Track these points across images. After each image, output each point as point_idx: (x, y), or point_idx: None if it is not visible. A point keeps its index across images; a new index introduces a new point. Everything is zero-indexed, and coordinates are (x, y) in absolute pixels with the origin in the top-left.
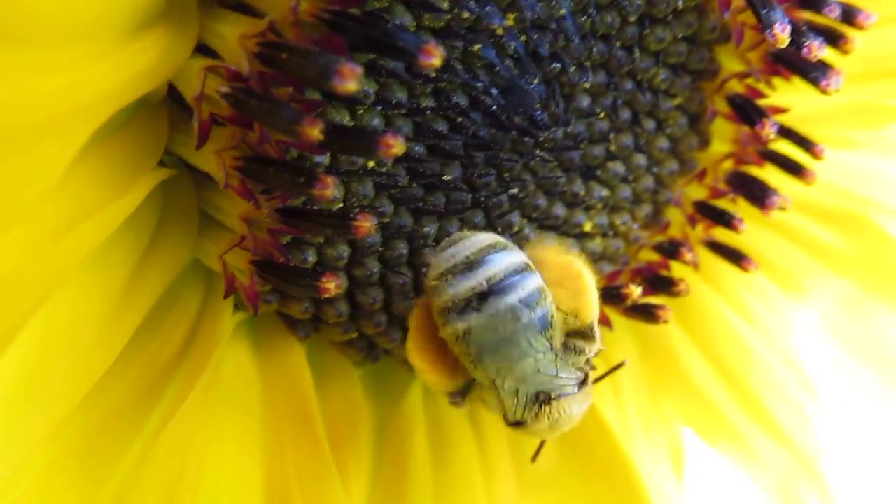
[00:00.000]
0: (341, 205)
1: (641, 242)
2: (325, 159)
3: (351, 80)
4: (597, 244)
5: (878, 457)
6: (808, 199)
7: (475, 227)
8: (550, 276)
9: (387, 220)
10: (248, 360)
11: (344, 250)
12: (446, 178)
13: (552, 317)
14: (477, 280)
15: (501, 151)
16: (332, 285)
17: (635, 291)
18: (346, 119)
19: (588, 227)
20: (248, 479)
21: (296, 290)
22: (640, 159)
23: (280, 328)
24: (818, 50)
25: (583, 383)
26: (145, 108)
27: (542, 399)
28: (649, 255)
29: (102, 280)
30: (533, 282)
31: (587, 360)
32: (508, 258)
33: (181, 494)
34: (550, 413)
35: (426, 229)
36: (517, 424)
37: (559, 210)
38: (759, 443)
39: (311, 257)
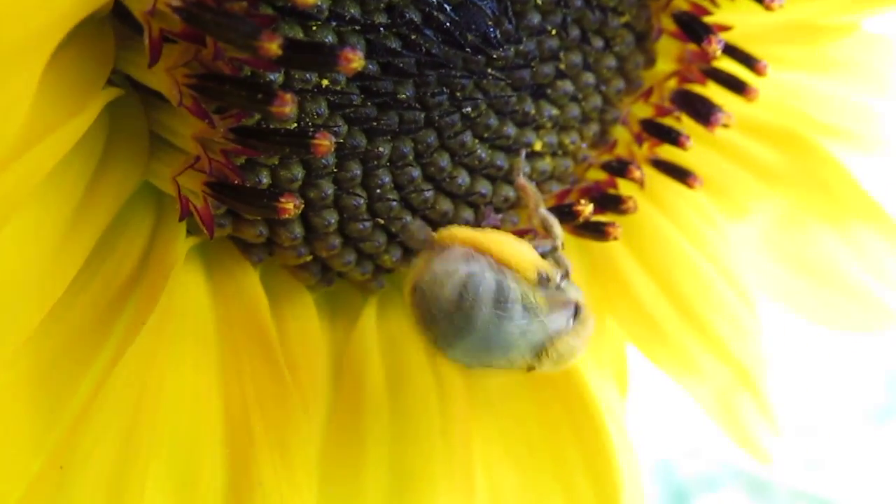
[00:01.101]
0: (295, 125)
1: (589, 161)
2: (278, 77)
3: None
4: (546, 163)
5: (812, 368)
6: (749, 118)
7: (428, 148)
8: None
9: (341, 141)
10: (201, 285)
11: (298, 172)
12: (400, 96)
13: (522, 295)
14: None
15: (454, 70)
16: (291, 206)
17: (587, 208)
18: (299, 35)
19: (538, 146)
20: (207, 405)
21: (253, 211)
22: (589, 78)
23: (233, 253)
24: None
25: (576, 314)
26: (90, 26)
27: (541, 349)
28: (597, 175)
29: (53, 205)
30: (489, 280)
31: (567, 290)
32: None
33: (141, 421)
34: (551, 355)
35: (380, 149)
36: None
37: (510, 130)
38: (700, 357)
39: (266, 179)
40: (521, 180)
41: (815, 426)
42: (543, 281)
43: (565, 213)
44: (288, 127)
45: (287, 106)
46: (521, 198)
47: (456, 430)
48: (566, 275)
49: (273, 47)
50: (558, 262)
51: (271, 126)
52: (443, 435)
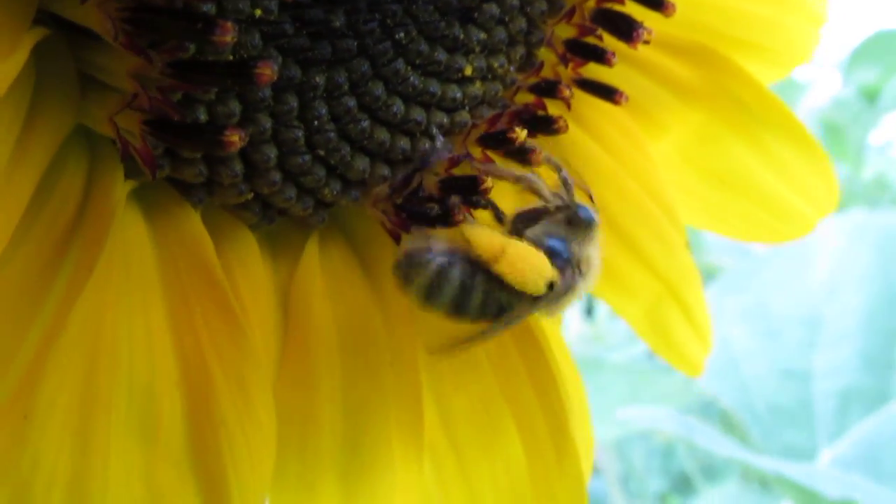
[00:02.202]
0: (230, 58)
1: (518, 85)
2: (211, 9)
3: None
4: (477, 88)
5: (728, 276)
6: (664, 36)
7: (362, 77)
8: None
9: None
10: (142, 230)
11: (235, 107)
12: (332, 25)
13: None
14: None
15: None
16: (237, 138)
17: (521, 134)
18: None
19: (468, 71)
20: (159, 349)
21: (196, 147)
22: (514, 0)
23: (172, 196)
24: None
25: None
26: None
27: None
28: (525, 98)
29: None
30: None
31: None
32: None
33: (99, 368)
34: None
35: (315, 80)
36: None
37: (441, 55)
38: (629, 273)
39: (203, 116)
40: (518, 173)
41: None
42: (549, 288)
43: (499, 141)
44: (221, 60)
45: (228, 34)
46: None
47: (403, 360)
48: (577, 263)
49: None
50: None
51: (209, 59)
52: (391, 366)
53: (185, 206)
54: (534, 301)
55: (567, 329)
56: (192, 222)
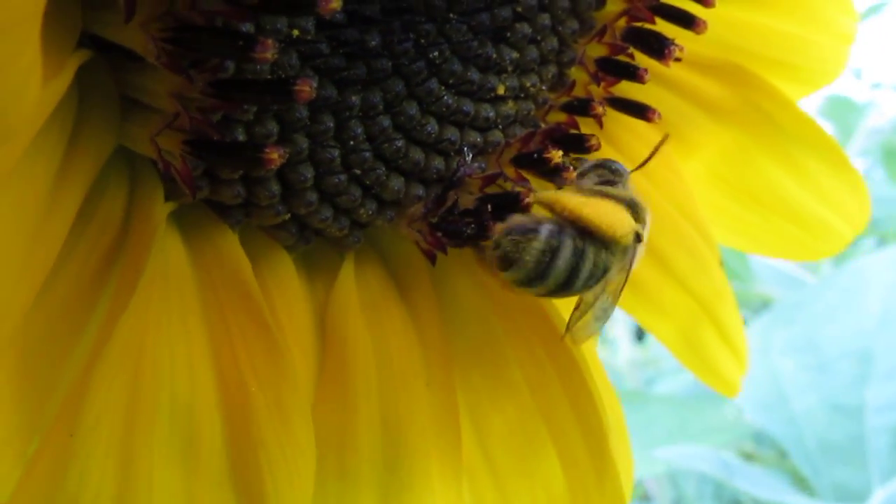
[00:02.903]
0: (269, 77)
1: (550, 104)
2: (249, 28)
3: None
4: (510, 108)
5: (778, 308)
6: (695, 55)
7: (397, 97)
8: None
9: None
10: (181, 251)
11: (273, 127)
12: (367, 45)
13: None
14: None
15: (417, 16)
16: (276, 155)
17: (556, 155)
18: None
19: (501, 90)
20: (199, 369)
21: (237, 165)
22: (545, 19)
23: (210, 218)
24: None
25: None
26: None
27: None
28: (557, 117)
29: (33, 179)
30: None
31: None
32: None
33: (141, 389)
34: None
35: (351, 100)
36: None
37: (474, 75)
38: (662, 292)
39: (241, 136)
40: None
41: None
42: (636, 239)
43: (535, 161)
44: (262, 79)
45: (269, 51)
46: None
47: (439, 380)
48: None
49: None
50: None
51: (249, 78)
52: (428, 387)
53: (222, 228)
54: (624, 256)
55: (617, 354)
56: (230, 244)
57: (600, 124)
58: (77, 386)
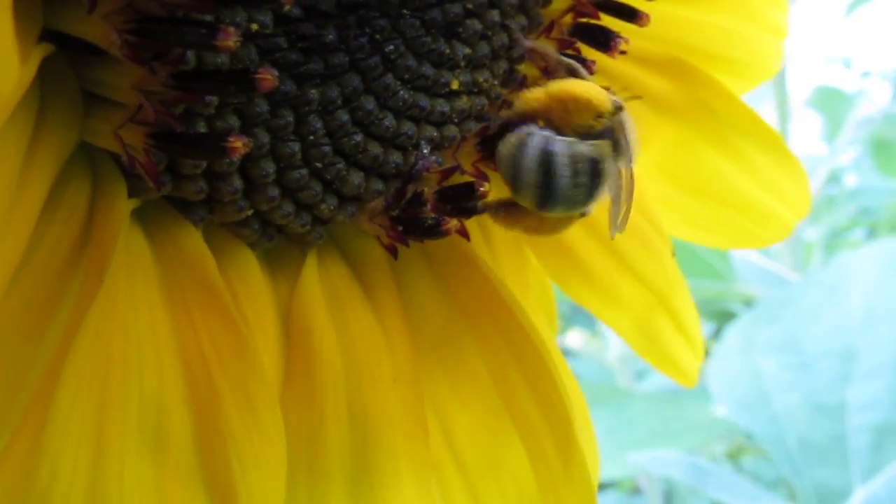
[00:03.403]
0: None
1: (503, 99)
2: (210, 19)
3: None
4: (464, 103)
5: (760, 307)
6: (638, 49)
7: (354, 92)
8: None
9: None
10: (144, 248)
11: (234, 121)
12: (324, 40)
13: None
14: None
15: (371, 11)
16: (240, 144)
17: None
18: None
19: (455, 85)
20: (166, 364)
21: (201, 155)
22: (494, 15)
23: (172, 214)
24: None
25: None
26: None
27: None
28: (510, 113)
29: None
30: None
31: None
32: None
33: (111, 384)
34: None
35: (310, 94)
36: None
37: (428, 70)
38: (617, 284)
39: (203, 129)
40: (529, 44)
41: None
42: (617, 108)
43: (489, 143)
44: (228, 68)
45: (231, 38)
46: (536, 56)
47: (406, 377)
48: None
49: None
50: None
51: (211, 69)
52: (395, 382)
53: (185, 225)
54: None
55: (608, 349)
56: (194, 240)
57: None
58: (46, 379)
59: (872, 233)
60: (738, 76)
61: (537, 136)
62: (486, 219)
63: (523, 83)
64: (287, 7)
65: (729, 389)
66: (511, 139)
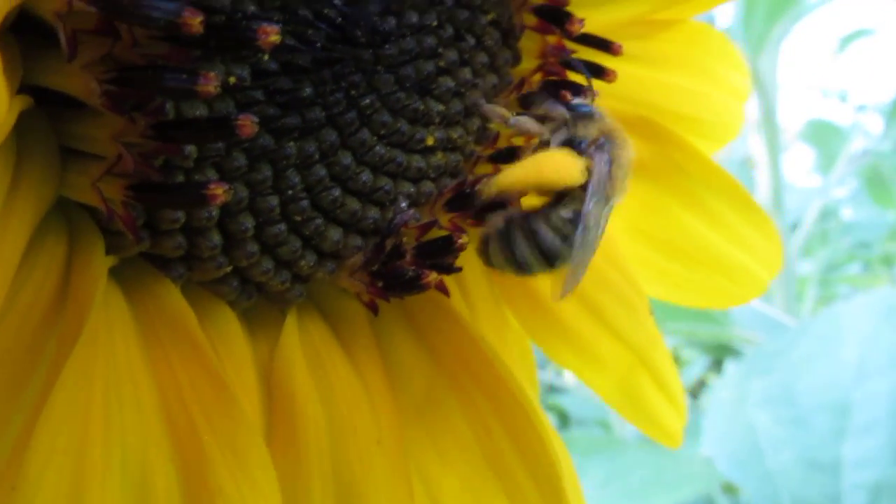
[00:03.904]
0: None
1: (477, 155)
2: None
3: None
4: (439, 159)
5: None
6: (608, 110)
7: (331, 147)
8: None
9: (249, 142)
10: (122, 306)
11: (212, 174)
12: (301, 95)
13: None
14: None
15: (346, 67)
16: (221, 191)
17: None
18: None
19: (430, 141)
20: (149, 421)
21: (181, 204)
22: (466, 74)
23: (151, 272)
24: None
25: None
26: None
27: None
28: (485, 169)
29: None
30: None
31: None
32: None
33: (90, 441)
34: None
35: (287, 149)
36: None
37: (403, 126)
38: (598, 343)
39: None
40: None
41: None
42: (588, 174)
43: (469, 196)
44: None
45: (211, 83)
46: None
47: (390, 438)
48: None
49: (196, 23)
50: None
51: (191, 117)
52: (379, 444)
53: (164, 282)
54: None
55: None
56: (173, 296)
57: None
58: (22, 437)
59: (868, 266)
60: (704, 137)
61: (517, 220)
62: (464, 278)
63: (496, 140)
64: (265, 58)
65: (721, 444)
66: (493, 225)
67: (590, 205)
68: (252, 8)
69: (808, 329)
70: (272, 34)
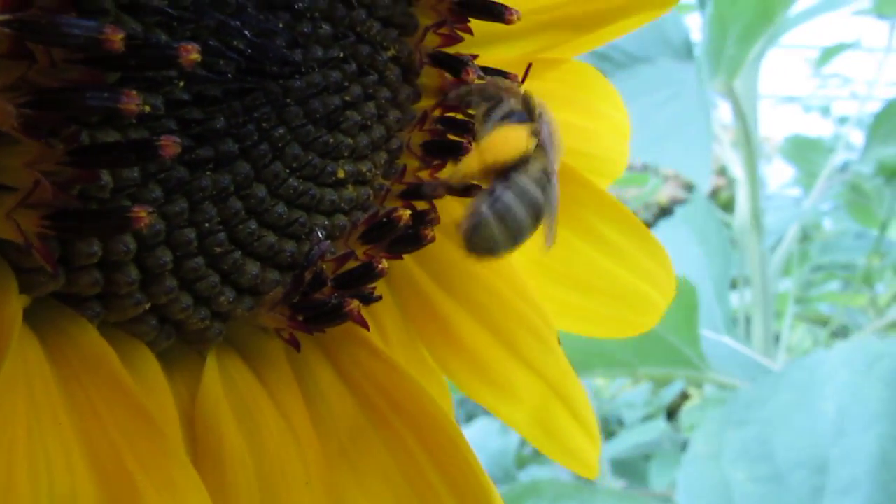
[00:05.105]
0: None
1: (386, 189)
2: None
3: None
4: (351, 192)
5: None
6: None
7: (246, 179)
8: None
9: (164, 174)
10: (37, 348)
11: (128, 204)
12: (213, 126)
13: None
14: None
15: (257, 99)
16: (144, 213)
17: (405, 213)
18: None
19: (341, 174)
20: (80, 472)
21: (103, 229)
22: (371, 108)
23: (64, 312)
24: None
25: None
26: None
27: None
28: (395, 203)
29: None
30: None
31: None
32: None
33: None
34: None
35: (202, 181)
36: None
37: (315, 159)
38: (511, 376)
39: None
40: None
41: None
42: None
43: (384, 226)
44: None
45: (133, 101)
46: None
47: (319, 479)
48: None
49: (117, 40)
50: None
51: (110, 141)
52: (307, 485)
53: (80, 322)
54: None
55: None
56: (91, 336)
57: (433, 207)
58: None
59: (847, 284)
60: (594, 172)
61: (504, 187)
62: (379, 316)
63: (403, 175)
64: (180, 86)
65: (696, 501)
66: (480, 206)
67: (552, 154)
68: (163, 37)
69: (786, 377)
70: (193, 52)
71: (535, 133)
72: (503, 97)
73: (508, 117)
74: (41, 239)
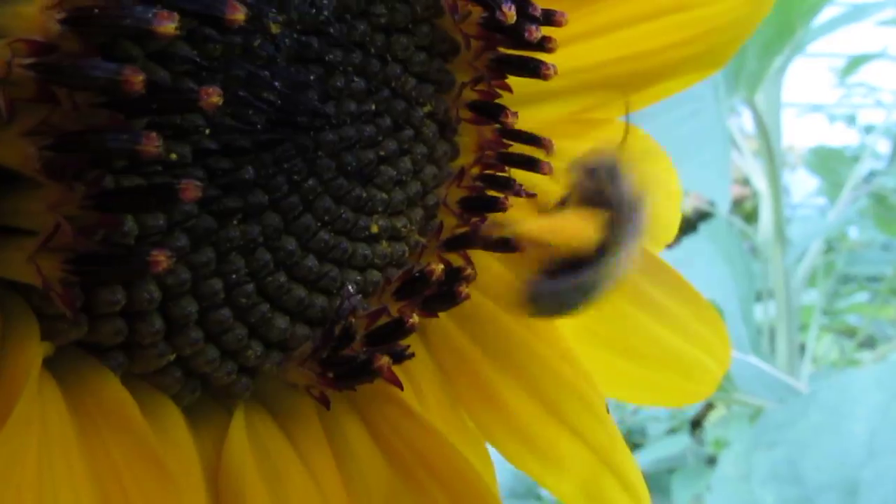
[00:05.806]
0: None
1: (422, 246)
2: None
3: (168, 21)
4: (385, 248)
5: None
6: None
7: (275, 231)
8: None
9: (191, 223)
10: (58, 396)
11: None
12: (242, 176)
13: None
14: None
15: (287, 151)
16: (164, 257)
17: (438, 268)
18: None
19: (374, 229)
20: None
21: (122, 272)
22: (406, 163)
23: (87, 362)
24: (536, 32)
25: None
26: None
27: None
28: (431, 259)
29: None
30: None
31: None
32: None
33: None
34: None
35: (230, 232)
36: None
37: (346, 213)
38: (558, 444)
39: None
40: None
41: None
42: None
43: (417, 281)
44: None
45: (153, 143)
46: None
47: None
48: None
49: (138, 81)
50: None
51: (133, 185)
52: None
53: (102, 371)
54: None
55: None
56: (112, 386)
57: (470, 264)
58: None
59: (875, 297)
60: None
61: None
62: (417, 379)
63: (440, 231)
64: (207, 134)
65: None
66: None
67: (629, 244)
68: (191, 85)
69: (816, 397)
70: (214, 95)
71: (612, 223)
72: (596, 173)
73: (592, 200)
74: (64, 285)
